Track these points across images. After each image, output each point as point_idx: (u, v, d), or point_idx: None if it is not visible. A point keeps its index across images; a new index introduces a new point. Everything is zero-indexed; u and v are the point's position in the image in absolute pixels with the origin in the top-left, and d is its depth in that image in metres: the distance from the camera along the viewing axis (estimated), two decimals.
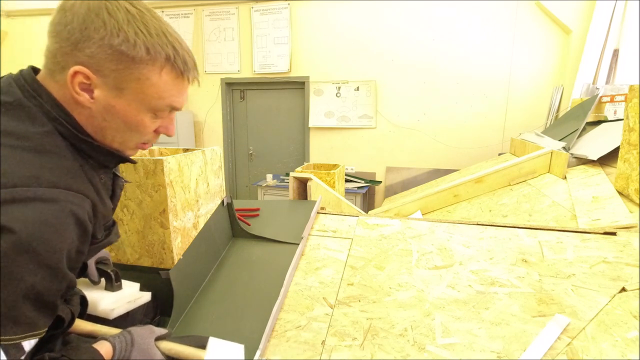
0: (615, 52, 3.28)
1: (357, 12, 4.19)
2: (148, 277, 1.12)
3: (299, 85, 4.64)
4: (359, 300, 1.06)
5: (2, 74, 0.65)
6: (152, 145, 0.76)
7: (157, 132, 0.72)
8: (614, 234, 1.12)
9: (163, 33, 0.63)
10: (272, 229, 1.48)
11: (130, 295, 1.00)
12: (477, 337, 0.91)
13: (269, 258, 1.33)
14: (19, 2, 4.97)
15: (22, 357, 0.54)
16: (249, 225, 1.51)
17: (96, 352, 0.67)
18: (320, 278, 1.17)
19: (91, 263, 0.95)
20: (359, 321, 1.00)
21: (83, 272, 0.95)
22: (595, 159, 1.94)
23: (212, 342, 0.81)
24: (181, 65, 0.65)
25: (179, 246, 1.15)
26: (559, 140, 2.41)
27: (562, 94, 3.58)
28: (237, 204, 1.59)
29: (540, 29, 3.77)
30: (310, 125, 4.60)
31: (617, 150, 1.69)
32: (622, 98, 2.56)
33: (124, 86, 0.62)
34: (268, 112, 4.91)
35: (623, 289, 0.93)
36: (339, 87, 4.43)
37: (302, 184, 1.76)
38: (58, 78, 0.62)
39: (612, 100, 2.65)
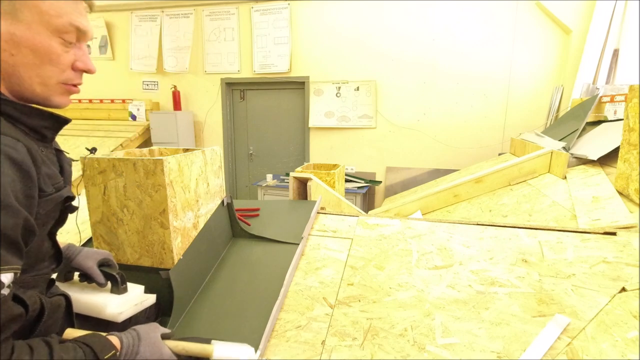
0: (615, 52, 3.28)
1: (357, 12, 4.19)
2: (148, 277, 1.12)
3: (299, 85, 4.64)
4: (359, 300, 1.06)
5: None
6: (79, 90, 0.72)
7: (75, 68, 0.70)
8: (614, 234, 1.12)
9: None
10: (272, 229, 1.48)
11: (136, 297, 0.99)
12: (477, 337, 0.91)
13: (269, 258, 1.33)
14: None
15: (2, 290, 0.55)
16: (249, 225, 1.51)
17: (106, 339, 0.69)
18: (320, 278, 1.17)
19: (94, 266, 0.95)
20: (359, 321, 1.00)
21: (85, 276, 0.95)
22: (595, 159, 1.94)
23: (217, 345, 0.81)
24: None
25: (179, 246, 1.15)
26: (559, 140, 2.41)
27: (562, 94, 3.58)
28: (237, 204, 1.59)
29: (540, 29, 3.77)
30: (310, 125, 4.60)
31: (617, 150, 1.69)
32: (622, 98, 2.55)
33: (17, 7, 0.60)
34: (268, 112, 4.91)
35: (623, 289, 0.93)
36: (339, 87, 4.43)
37: (302, 184, 1.76)
38: None
39: (612, 100, 2.65)
